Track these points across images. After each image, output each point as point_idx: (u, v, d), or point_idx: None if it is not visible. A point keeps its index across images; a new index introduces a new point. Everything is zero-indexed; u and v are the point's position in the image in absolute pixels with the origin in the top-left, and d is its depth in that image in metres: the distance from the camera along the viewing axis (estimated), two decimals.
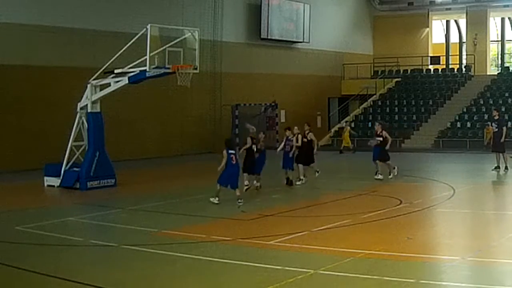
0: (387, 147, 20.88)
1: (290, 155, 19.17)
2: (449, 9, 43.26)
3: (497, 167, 22.42)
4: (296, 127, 19.83)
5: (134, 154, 28.45)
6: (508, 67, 41.93)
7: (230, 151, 15.92)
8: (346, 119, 38.59)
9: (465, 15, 42.26)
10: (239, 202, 15.63)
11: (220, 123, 32.94)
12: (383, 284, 9.12)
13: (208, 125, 32.58)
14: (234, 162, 15.86)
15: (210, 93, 32.53)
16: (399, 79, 40.84)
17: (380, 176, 20.44)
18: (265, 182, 18.62)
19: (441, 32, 46.81)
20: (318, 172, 20.03)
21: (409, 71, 41.54)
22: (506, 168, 22.26)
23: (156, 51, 18.84)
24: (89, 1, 27.46)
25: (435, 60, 42.10)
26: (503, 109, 34.62)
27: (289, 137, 19.29)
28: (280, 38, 37.22)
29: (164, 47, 19.09)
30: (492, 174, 22.11)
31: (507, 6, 41.24)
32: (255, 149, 17.89)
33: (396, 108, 38.12)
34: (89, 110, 20.02)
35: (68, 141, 20.27)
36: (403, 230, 12.97)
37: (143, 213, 15.66)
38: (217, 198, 15.95)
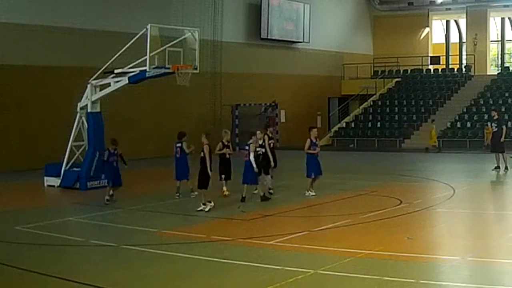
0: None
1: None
2: (449, 9, 43.25)
3: (497, 167, 22.42)
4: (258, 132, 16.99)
5: (134, 154, 28.42)
6: (508, 67, 41.92)
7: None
8: (346, 119, 38.59)
9: (465, 15, 42.27)
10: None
11: (220, 123, 32.91)
12: (383, 284, 9.11)
13: (208, 125, 32.55)
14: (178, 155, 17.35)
15: (210, 93, 32.52)
16: (399, 79, 40.84)
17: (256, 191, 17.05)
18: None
19: (441, 32, 46.82)
20: (226, 194, 16.64)
21: (409, 71, 41.54)
22: (506, 168, 22.26)
23: (156, 51, 18.84)
24: (90, 1, 27.45)
25: (435, 60, 42.10)
26: (503, 109, 34.62)
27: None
28: (280, 38, 37.23)
29: (164, 47, 19.09)
30: (492, 174, 22.10)
31: (507, 6, 41.23)
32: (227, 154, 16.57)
33: (396, 108, 38.11)
34: (89, 110, 20.03)
35: (68, 141, 20.27)
36: (403, 230, 12.97)
37: (143, 213, 15.67)
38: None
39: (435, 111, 36.72)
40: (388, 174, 23.22)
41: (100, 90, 20.08)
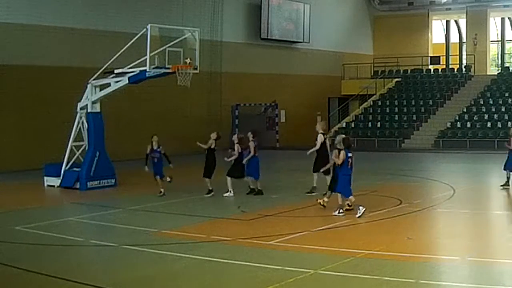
0: None
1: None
2: (449, 9, 43.26)
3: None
4: None
5: (134, 154, 28.41)
6: (508, 67, 41.89)
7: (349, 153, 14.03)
8: (346, 119, 38.59)
9: (465, 15, 42.27)
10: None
11: (220, 123, 32.92)
12: (383, 284, 9.11)
13: (208, 125, 32.56)
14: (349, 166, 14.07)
15: (210, 93, 32.53)
16: (399, 79, 40.84)
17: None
18: (264, 183, 18.57)
19: (441, 32, 46.81)
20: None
21: (409, 71, 41.53)
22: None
23: (156, 51, 18.85)
24: (89, 1, 27.47)
25: (435, 60, 42.08)
26: (503, 109, 34.64)
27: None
28: (280, 38, 37.24)
29: (164, 47, 19.10)
30: (493, 174, 22.04)
31: (507, 6, 41.23)
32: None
33: (396, 108, 38.11)
34: (89, 110, 20.04)
35: (68, 141, 20.28)
36: (403, 230, 12.96)
37: (143, 213, 15.67)
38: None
39: (435, 111, 36.74)
40: (388, 174, 23.22)
41: (100, 90, 20.08)
